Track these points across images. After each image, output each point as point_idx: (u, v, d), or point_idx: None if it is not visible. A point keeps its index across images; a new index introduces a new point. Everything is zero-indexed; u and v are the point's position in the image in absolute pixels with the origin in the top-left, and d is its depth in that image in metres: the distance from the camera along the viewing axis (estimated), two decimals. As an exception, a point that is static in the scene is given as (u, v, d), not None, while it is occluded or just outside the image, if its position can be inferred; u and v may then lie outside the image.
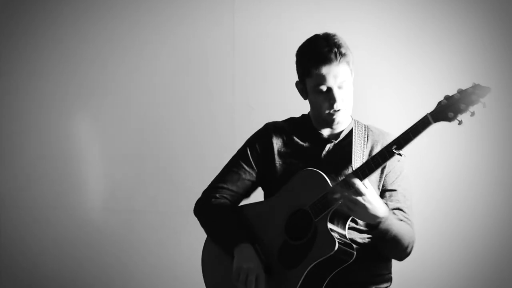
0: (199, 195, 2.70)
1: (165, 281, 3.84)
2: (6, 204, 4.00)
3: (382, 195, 2.52)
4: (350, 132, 2.58)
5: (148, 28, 3.86)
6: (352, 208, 2.33)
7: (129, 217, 3.87)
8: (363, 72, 3.52)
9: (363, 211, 2.33)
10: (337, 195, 2.34)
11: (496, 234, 3.44)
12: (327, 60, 2.46)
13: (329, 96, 2.49)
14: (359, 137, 2.55)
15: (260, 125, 2.71)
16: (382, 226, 2.37)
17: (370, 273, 2.51)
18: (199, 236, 2.68)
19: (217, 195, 2.63)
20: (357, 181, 2.31)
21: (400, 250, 2.46)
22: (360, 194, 2.31)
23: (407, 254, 2.50)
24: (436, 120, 2.26)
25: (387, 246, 2.45)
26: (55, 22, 3.95)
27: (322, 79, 2.47)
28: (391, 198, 2.51)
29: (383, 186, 2.53)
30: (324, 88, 2.48)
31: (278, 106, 3.59)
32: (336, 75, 2.47)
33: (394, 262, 2.60)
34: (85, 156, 3.95)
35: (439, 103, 2.27)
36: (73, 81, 3.94)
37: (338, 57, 2.46)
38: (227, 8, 3.75)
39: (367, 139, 2.56)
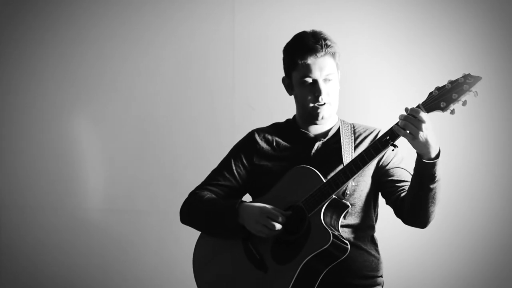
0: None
1: (165, 280, 3.84)
2: (7, 204, 4.00)
3: (385, 174, 2.52)
4: (338, 130, 2.60)
5: (148, 29, 3.86)
6: (415, 134, 2.25)
7: (129, 217, 3.88)
8: (363, 72, 3.53)
9: (423, 139, 2.25)
10: (402, 122, 2.26)
11: (496, 234, 3.44)
12: (313, 51, 2.49)
13: (314, 89, 2.51)
14: (346, 135, 2.57)
15: (260, 126, 2.72)
16: (435, 168, 2.31)
17: (361, 275, 2.50)
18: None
19: (201, 192, 2.65)
20: (419, 111, 2.25)
21: (433, 207, 2.39)
22: (422, 121, 2.24)
23: (433, 218, 2.44)
24: (429, 110, 2.26)
25: (426, 199, 2.37)
26: (55, 23, 3.95)
27: (308, 70, 2.50)
28: (398, 174, 2.51)
29: (382, 166, 2.53)
30: (309, 80, 2.51)
31: (278, 106, 3.59)
32: (322, 67, 2.50)
33: (387, 263, 2.59)
34: (85, 156, 3.95)
35: (430, 93, 2.27)
36: (73, 81, 3.94)
37: (324, 48, 2.50)
38: (227, 8, 3.75)
39: (354, 137, 2.58)
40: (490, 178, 3.44)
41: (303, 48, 2.51)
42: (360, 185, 2.51)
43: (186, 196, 2.69)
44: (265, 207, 2.47)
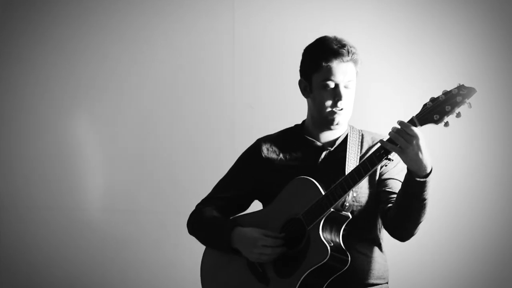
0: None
1: (164, 281, 3.84)
2: (5, 204, 4.00)
3: (381, 183, 2.50)
4: (346, 138, 2.57)
5: (147, 28, 3.85)
6: (404, 148, 2.22)
7: (129, 217, 3.87)
8: (363, 72, 3.53)
9: (413, 152, 2.23)
10: (393, 134, 2.24)
11: (496, 234, 3.44)
12: (339, 55, 2.47)
13: (335, 93, 2.48)
14: (353, 144, 2.54)
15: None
16: (424, 187, 2.28)
17: (366, 282, 2.50)
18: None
19: (205, 206, 2.65)
20: (411, 126, 2.23)
21: (418, 221, 2.37)
22: (414, 136, 2.22)
23: (416, 232, 2.41)
24: (422, 123, 2.23)
25: (412, 212, 2.34)
26: (53, 21, 3.95)
27: (331, 73, 2.47)
28: (392, 186, 2.49)
29: (381, 175, 2.51)
30: (331, 84, 2.48)
31: (278, 106, 3.59)
32: (345, 72, 2.48)
33: (391, 268, 2.59)
34: (84, 156, 3.95)
35: (425, 105, 2.24)
36: (72, 81, 3.93)
37: (350, 54, 2.48)
38: (227, 8, 3.75)
39: (361, 145, 2.56)
40: (490, 178, 3.44)
41: (329, 50, 2.47)
42: (366, 195, 2.50)
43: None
44: (257, 236, 2.46)
